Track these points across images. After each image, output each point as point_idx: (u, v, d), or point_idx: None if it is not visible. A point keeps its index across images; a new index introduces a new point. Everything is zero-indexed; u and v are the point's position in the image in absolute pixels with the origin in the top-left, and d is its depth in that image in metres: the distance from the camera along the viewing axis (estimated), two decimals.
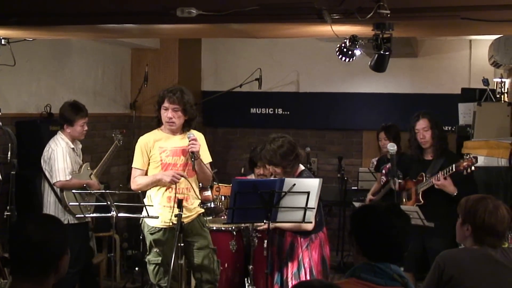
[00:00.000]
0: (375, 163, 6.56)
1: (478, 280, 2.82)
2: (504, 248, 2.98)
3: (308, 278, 4.26)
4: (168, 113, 4.42)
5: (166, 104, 4.42)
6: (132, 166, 4.56)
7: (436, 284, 2.88)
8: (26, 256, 2.12)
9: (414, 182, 5.01)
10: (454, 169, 4.66)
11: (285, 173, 4.24)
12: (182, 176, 4.39)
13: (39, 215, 2.36)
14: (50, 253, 2.14)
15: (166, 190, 4.45)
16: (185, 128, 4.53)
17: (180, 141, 4.49)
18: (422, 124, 4.97)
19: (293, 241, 4.32)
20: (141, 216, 4.53)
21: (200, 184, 4.86)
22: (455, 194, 4.73)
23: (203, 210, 4.69)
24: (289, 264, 4.30)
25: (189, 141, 4.36)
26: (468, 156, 4.73)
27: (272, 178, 4.33)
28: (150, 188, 4.51)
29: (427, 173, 4.92)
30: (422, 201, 4.87)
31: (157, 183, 4.44)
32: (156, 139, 4.50)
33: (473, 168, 4.63)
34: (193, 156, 4.34)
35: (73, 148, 5.15)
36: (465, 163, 4.61)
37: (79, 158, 5.27)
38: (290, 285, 4.28)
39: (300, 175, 4.31)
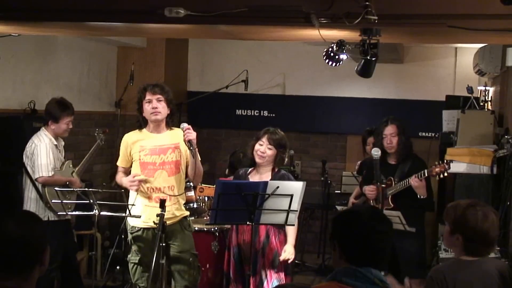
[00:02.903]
0: (359, 163, 6.59)
1: None
2: (491, 258, 2.95)
3: (282, 266, 4.36)
4: (153, 103, 4.40)
5: (148, 96, 4.41)
6: (117, 164, 4.58)
7: None
8: (8, 254, 2.11)
9: (383, 186, 5.06)
10: (426, 174, 4.75)
11: (274, 159, 4.42)
12: (137, 179, 4.36)
13: (15, 212, 2.33)
14: (33, 248, 2.13)
15: (147, 189, 4.43)
16: (168, 124, 4.53)
17: (162, 139, 4.47)
18: (390, 130, 5.06)
19: (268, 231, 4.40)
20: (123, 215, 4.51)
21: (191, 183, 4.84)
22: (423, 197, 4.85)
23: (188, 213, 4.66)
24: (266, 253, 4.36)
25: (184, 130, 4.30)
26: (440, 162, 4.78)
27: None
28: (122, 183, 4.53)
29: (395, 177, 4.99)
30: (392, 205, 4.94)
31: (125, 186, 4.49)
32: (138, 138, 4.49)
33: (445, 174, 4.69)
34: (191, 145, 4.28)
35: (56, 145, 5.12)
36: (437, 169, 4.71)
37: (61, 155, 5.24)
38: (267, 273, 4.34)
39: (278, 172, 4.44)
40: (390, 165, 5.12)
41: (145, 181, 4.41)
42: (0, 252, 2.11)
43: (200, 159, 4.54)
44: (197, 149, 4.35)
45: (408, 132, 5.18)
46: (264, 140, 4.43)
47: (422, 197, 4.88)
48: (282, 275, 4.37)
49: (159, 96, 4.41)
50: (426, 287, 2.96)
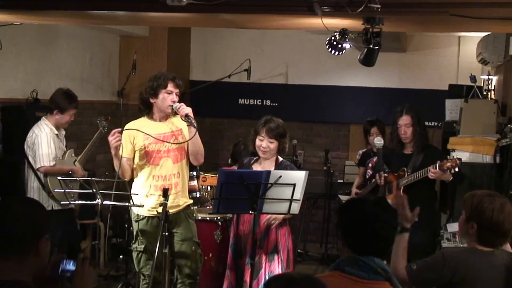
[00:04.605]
0: (361, 153, 6.59)
1: (489, 285, 2.78)
2: (503, 250, 2.92)
3: (282, 257, 4.38)
4: (173, 96, 4.40)
5: (171, 88, 4.39)
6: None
7: (443, 281, 2.83)
8: (8, 233, 2.11)
9: (396, 176, 5.05)
10: (438, 168, 4.70)
11: (277, 150, 4.40)
12: (117, 132, 4.28)
13: (23, 197, 2.37)
14: (31, 231, 2.13)
15: (152, 178, 4.43)
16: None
17: (164, 127, 4.47)
18: (405, 120, 5.02)
19: (269, 223, 4.40)
20: (126, 204, 4.52)
21: (194, 173, 4.79)
22: (450, 179, 4.76)
23: (191, 201, 4.67)
24: (264, 245, 4.38)
25: (178, 109, 4.31)
26: (453, 156, 4.74)
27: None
28: (126, 169, 4.45)
29: (408, 168, 4.97)
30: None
31: (117, 156, 4.36)
32: (141, 126, 4.48)
33: (457, 169, 4.64)
34: (189, 118, 4.27)
35: (56, 134, 5.13)
36: (448, 164, 4.64)
37: (63, 144, 5.24)
38: (263, 266, 4.35)
39: (281, 164, 4.43)
40: (406, 155, 5.08)
41: (151, 169, 4.41)
42: (1, 230, 2.12)
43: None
44: (195, 123, 4.32)
45: (423, 121, 5.15)
46: (264, 134, 4.39)
47: (448, 181, 4.80)
48: (278, 268, 4.37)
49: (178, 90, 4.44)
50: (431, 258, 2.94)
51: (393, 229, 2.43)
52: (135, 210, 4.52)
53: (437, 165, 4.68)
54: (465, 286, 2.79)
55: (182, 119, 4.32)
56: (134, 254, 4.57)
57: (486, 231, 2.82)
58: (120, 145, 4.32)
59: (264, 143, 4.39)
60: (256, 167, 4.48)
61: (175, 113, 4.44)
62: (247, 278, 4.29)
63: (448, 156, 4.79)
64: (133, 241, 4.60)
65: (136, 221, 4.53)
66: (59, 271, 2.32)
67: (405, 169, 4.98)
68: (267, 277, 4.31)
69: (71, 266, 2.32)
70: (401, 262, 2.93)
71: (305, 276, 1.88)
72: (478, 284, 2.78)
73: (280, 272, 4.35)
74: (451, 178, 4.75)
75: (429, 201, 5.03)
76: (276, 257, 4.37)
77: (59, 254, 2.37)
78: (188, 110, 4.29)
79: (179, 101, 4.45)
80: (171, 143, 4.42)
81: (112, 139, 4.29)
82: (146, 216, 4.47)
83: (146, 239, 4.49)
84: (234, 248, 4.53)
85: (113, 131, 4.32)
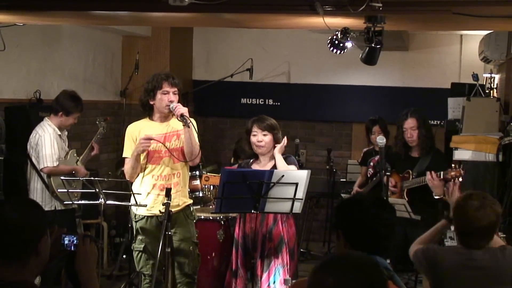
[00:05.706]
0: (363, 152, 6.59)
1: (457, 285, 2.82)
2: (490, 248, 2.92)
3: (289, 247, 4.42)
4: (170, 96, 4.40)
5: (166, 88, 4.39)
6: (123, 156, 4.55)
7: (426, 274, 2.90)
8: (3, 239, 2.07)
9: (400, 177, 5.04)
10: (442, 176, 4.67)
11: (273, 144, 4.42)
12: (149, 138, 4.31)
13: (16, 198, 2.30)
14: (27, 235, 2.09)
15: (152, 177, 4.44)
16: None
17: (166, 127, 4.48)
18: (410, 124, 5.01)
19: (276, 216, 4.43)
20: (129, 204, 4.53)
21: (196, 172, 4.79)
22: (438, 198, 4.71)
23: (191, 201, 4.68)
24: (272, 237, 4.41)
25: (174, 109, 4.30)
26: (457, 166, 4.71)
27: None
28: (137, 171, 4.45)
29: (413, 171, 4.95)
30: (407, 199, 4.88)
31: (137, 159, 4.37)
32: (142, 127, 4.50)
33: (460, 179, 4.61)
34: (184, 118, 4.27)
35: (59, 135, 5.14)
36: (453, 173, 4.59)
37: (65, 145, 5.26)
38: (273, 258, 4.38)
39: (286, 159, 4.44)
40: (413, 158, 5.07)
41: (151, 168, 4.42)
42: None
43: (198, 143, 4.47)
44: (192, 122, 4.33)
45: (428, 123, 5.15)
46: (255, 129, 4.44)
47: (437, 197, 4.69)
48: (286, 260, 4.39)
49: (175, 89, 4.43)
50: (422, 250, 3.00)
51: (393, 227, 2.43)
52: (134, 210, 4.53)
53: (441, 173, 4.65)
54: (435, 282, 2.85)
55: (177, 119, 4.32)
56: (134, 254, 4.58)
57: (459, 230, 2.90)
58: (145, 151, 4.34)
59: (258, 137, 4.43)
60: (255, 168, 4.49)
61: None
62: (259, 272, 4.32)
63: (452, 165, 4.75)
64: (133, 241, 4.61)
65: (136, 221, 4.54)
66: (61, 246, 2.30)
67: (410, 172, 4.97)
68: (277, 269, 4.33)
69: (73, 244, 2.31)
70: (425, 240, 3.18)
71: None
72: (446, 281, 2.82)
73: (289, 261, 4.39)
74: (441, 196, 4.64)
75: (431, 202, 5.02)
76: (284, 248, 4.39)
77: (60, 230, 2.35)
78: (184, 110, 4.28)
79: (181, 100, 4.46)
80: (163, 148, 4.41)
81: (144, 141, 4.28)
82: (145, 216, 4.48)
83: (145, 239, 4.50)
84: (244, 247, 4.52)
85: (147, 136, 4.31)
